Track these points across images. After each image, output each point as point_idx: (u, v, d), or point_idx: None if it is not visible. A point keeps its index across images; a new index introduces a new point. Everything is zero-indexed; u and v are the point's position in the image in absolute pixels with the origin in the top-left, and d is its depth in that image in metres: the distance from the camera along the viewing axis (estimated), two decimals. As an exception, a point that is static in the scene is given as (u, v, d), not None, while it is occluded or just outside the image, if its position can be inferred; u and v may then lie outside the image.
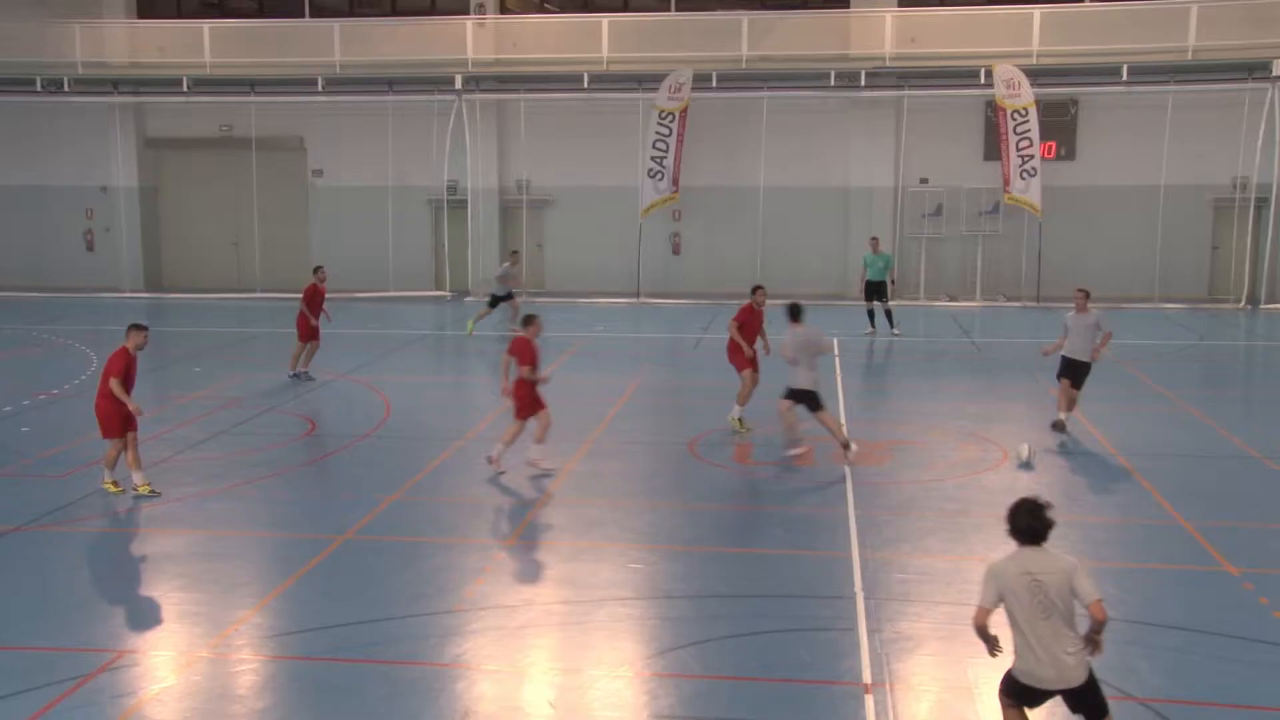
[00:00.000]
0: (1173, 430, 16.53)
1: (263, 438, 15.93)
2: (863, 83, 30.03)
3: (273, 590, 10.24)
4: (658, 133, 30.22)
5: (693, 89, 29.93)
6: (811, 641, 9.17)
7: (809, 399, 14.34)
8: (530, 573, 10.75)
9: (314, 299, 20.36)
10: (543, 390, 13.81)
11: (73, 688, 8.24)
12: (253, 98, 31.85)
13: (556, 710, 8.09)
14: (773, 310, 16.46)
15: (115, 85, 32.43)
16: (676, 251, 32.24)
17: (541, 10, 33.18)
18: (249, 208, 32.76)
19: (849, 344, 23.81)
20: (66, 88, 31.84)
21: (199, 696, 8.23)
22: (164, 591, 10.38)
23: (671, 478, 14.16)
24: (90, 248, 33.91)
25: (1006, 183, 29.38)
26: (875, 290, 24.83)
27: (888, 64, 29.93)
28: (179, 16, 33.01)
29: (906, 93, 30.36)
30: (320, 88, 31.17)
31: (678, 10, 31.26)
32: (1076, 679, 6.63)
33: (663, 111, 30.06)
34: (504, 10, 32.19)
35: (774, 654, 8.95)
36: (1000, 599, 6.68)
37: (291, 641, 9.17)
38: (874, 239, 25.88)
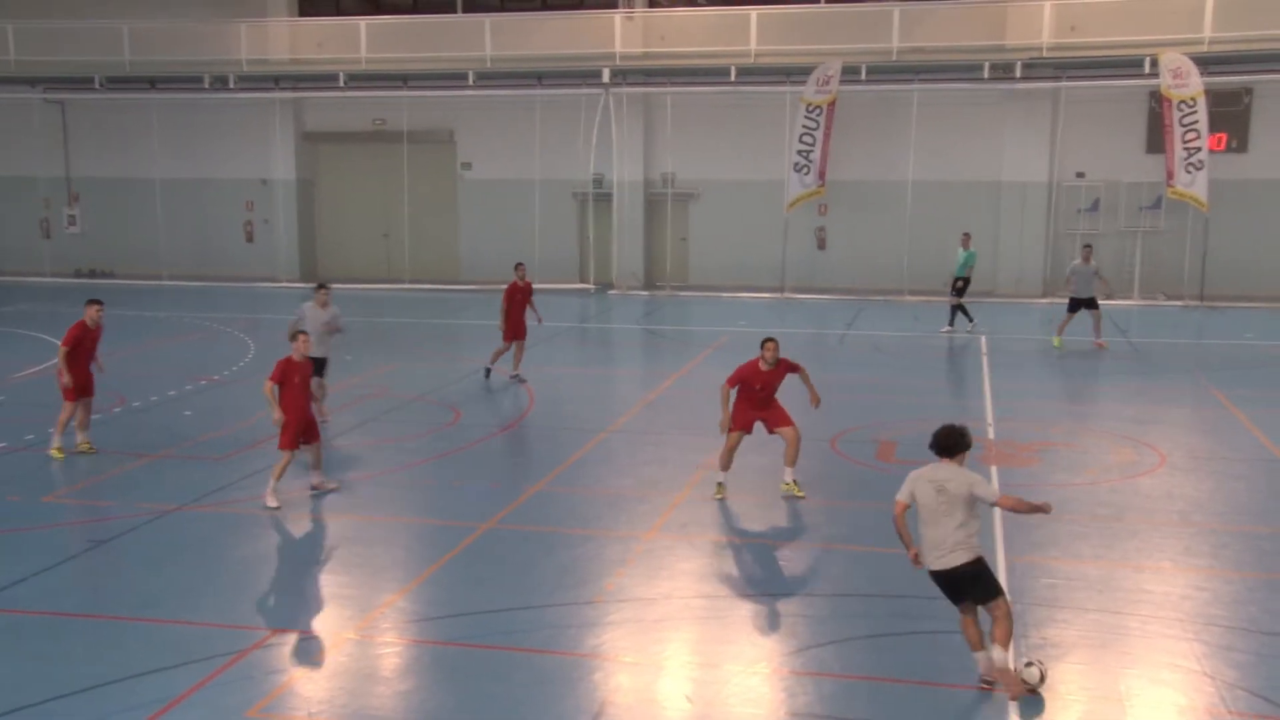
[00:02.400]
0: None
1: (410, 426, 16.27)
2: (1018, 74, 29.23)
3: (417, 575, 10.45)
4: (805, 126, 29.92)
5: (841, 81, 29.54)
6: (954, 645, 8.94)
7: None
8: (670, 566, 10.73)
9: (512, 296, 19.93)
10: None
11: (229, 662, 8.54)
12: (405, 92, 32.59)
13: (694, 704, 8.06)
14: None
15: (276, 81, 33.56)
16: (822, 246, 31.88)
17: (690, 3, 33.13)
18: (400, 200, 33.56)
19: (999, 344, 23.22)
20: (231, 84, 33.06)
21: (346, 677, 8.44)
22: (314, 574, 10.68)
23: (813, 474, 13.99)
24: (249, 239, 35.15)
25: (1170, 176, 28.25)
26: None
27: (1045, 54, 29.07)
28: (337, 14, 33.98)
29: (1064, 84, 29.44)
30: (470, 82, 31.71)
31: (827, 2, 30.90)
32: (956, 561, 8.11)
33: (810, 105, 29.75)
34: (652, 4, 32.27)
35: (915, 656, 8.77)
36: (912, 497, 8.30)
37: (435, 626, 9.34)
38: (965, 234, 25.42)
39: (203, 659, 8.57)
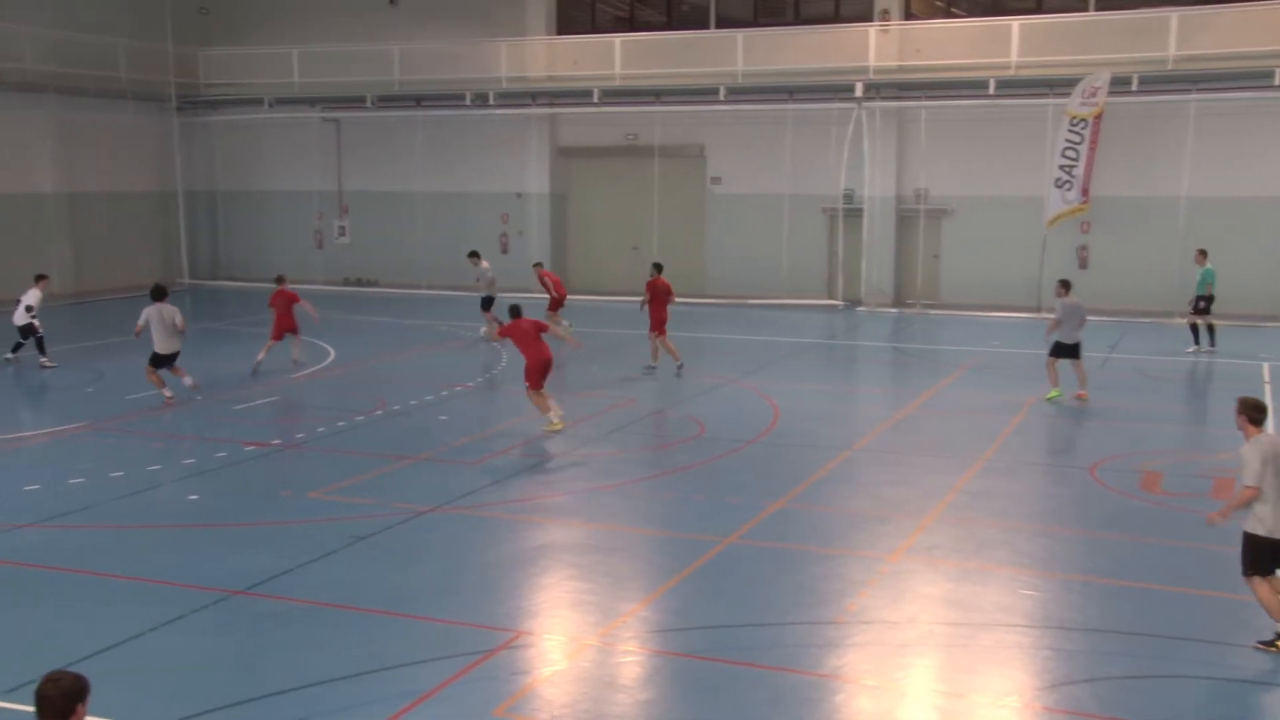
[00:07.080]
0: None
1: (655, 437, 16.42)
2: (1311, 80, 27.13)
3: (659, 586, 10.48)
4: (1068, 140, 28.65)
5: (1109, 93, 28.15)
6: (1224, 692, 8.33)
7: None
8: (915, 590, 10.40)
9: None
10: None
11: (476, 661, 8.76)
12: (657, 107, 33.01)
13: (938, 736, 7.76)
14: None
15: (533, 98, 34.61)
16: (1084, 265, 30.44)
17: (948, 15, 32.31)
18: (649, 213, 34.00)
19: None
20: (491, 101, 34.31)
21: (587, 682, 8.53)
22: (558, 579, 10.87)
23: (1069, 502, 13.35)
24: (505, 250, 36.31)
25: None
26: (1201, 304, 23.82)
27: (1345, 57, 26.89)
28: (593, 31, 34.78)
29: (1365, 90, 27.13)
30: (721, 97, 31.83)
31: (1096, 10, 29.53)
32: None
33: (1075, 117, 28.46)
34: (909, 15, 31.63)
35: (1179, 701, 8.20)
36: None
37: (675, 638, 9.33)
38: (1200, 251, 24.47)
39: (451, 656, 8.82)
